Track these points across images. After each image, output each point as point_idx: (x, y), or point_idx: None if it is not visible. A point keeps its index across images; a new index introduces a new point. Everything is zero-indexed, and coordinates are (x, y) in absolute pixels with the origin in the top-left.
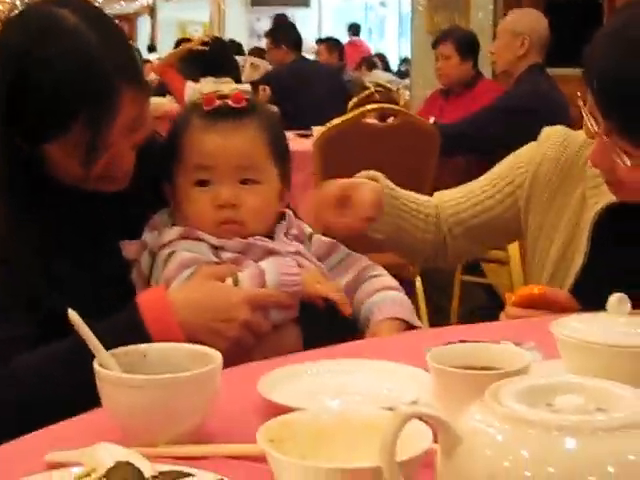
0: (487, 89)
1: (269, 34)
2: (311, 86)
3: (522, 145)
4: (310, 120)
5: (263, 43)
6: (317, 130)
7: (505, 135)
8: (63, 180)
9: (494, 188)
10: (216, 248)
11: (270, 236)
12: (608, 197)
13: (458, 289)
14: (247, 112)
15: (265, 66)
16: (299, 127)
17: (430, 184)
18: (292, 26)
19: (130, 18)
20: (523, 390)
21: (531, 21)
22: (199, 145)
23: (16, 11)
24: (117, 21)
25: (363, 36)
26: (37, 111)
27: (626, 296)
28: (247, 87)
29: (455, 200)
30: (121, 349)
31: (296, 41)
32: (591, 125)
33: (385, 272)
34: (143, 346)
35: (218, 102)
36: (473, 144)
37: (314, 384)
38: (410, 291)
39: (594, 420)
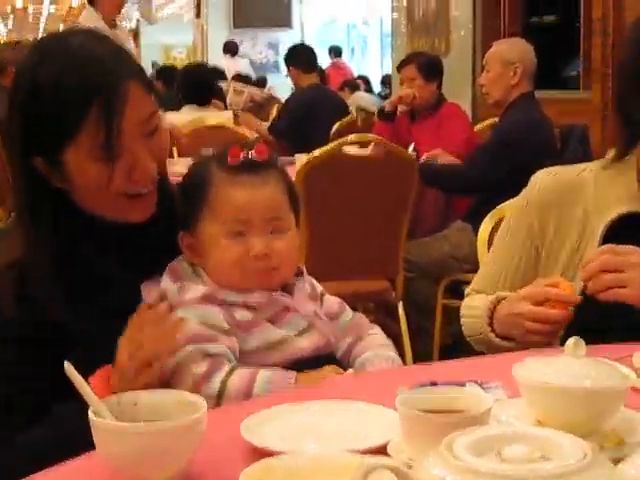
0: (452, 112)
1: (285, 59)
2: (319, 113)
3: (514, 177)
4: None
5: (244, 62)
6: (299, 159)
7: (506, 171)
8: (90, 208)
9: (517, 250)
10: (236, 306)
11: (289, 290)
12: (609, 214)
13: (440, 313)
14: (267, 163)
15: (249, 91)
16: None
17: (410, 212)
18: (302, 47)
19: None
20: (475, 441)
21: (520, 50)
22: (232, 199)
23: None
24: None
25: (346, 56)
26: (51, 117)
27: (581, 339)
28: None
29: (494, 282)
30: (113, 397)
31: (304, 62)
32: None
33: (379, 330)
34: (134, 394)
35: (242, 156)
36: (474, 185)
37: (293, 426)
38: (393, 314)
39: (538, 469)
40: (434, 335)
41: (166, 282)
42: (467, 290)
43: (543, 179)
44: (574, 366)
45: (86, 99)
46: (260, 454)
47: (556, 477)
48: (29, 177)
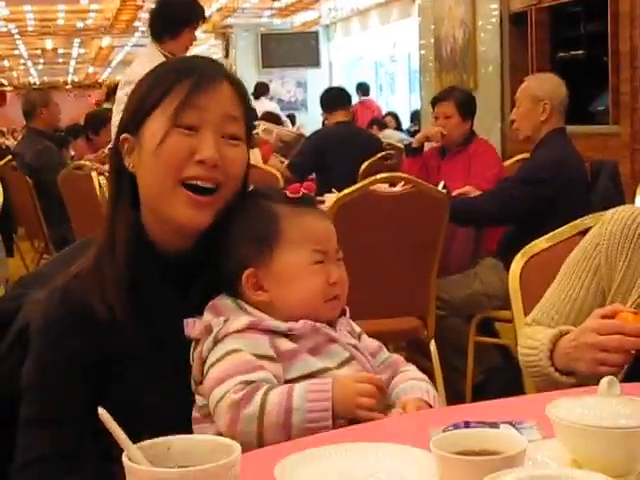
0: (482, 148)
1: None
2: (347, 150)
3: (544, 212)
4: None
5: (273, 106)
6: (329, 198)
7: (529, 206)
8: (152, 207)
9: (583, 290)
10: (281, 335)
11: (332, 324)
12: None
13: (472, 350)
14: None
15: (278, 131)
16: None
17: (440, 251)
18: (327, 90)
19: None
20: None
21: (551, 86)
22: (313, 229)
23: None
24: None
25: (374, 93)
26: (144, 92)
27: (615, 379)
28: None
29: (557, 315)
30: (147, 442)
31: (327, 103)
32: None
33: (414, 367)
34: (168, 439)
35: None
36: (496, 219)
37: (325, 469)
38: (425, 353)
39: None
40: (466, 373)
41: (208, 315)
42: (527, 320)
43: (616, 219)
44: (609, 405)
45: (178, 76)
46: None
47: None
48: (120, 161)
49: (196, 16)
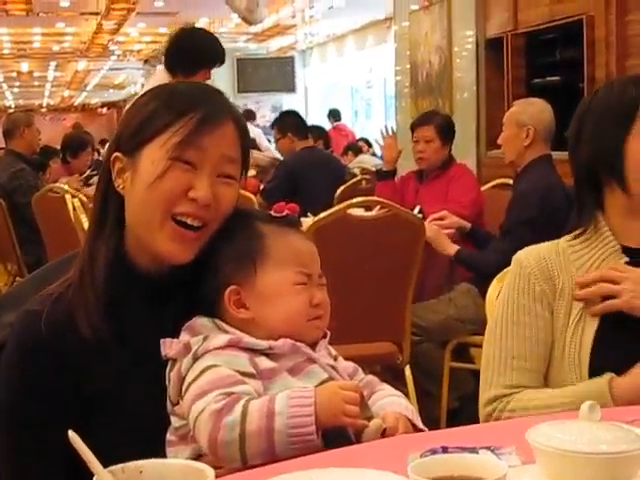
0: (460, 173)
1: (274, 124)
2: (315, 175)
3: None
4: (319, 207)
5: (257, 132)
6: (305, 222)
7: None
8: (138, 234)
9: (530, 323)
10: (260, 353)
11: (311, 346)
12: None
13: (447, 375)
14: (297, 219)
15: (255, 155)
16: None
17: (415, 276)
18: (296, 114)
19: (119, 106)
20: None
21: (535, 111)
22: (298, 249)
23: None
24: (105, 109)
25: (349, 118)
26: (147, 116)
27: (597, 404)
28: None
29: (533, 367)
30: (118, 466)
31: (301, 128)
32: None
33: (388, 386)
34: (139, 463)
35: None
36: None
37: None
38: (400, 377)
39: None
40: (441, 399)
41: (185, 336)
42: (500, 392)
43: (529, 253)
44: (590, 431)
45: (184, 107)
46: None
47: None
48: (109, 179)
49: (216, 59)
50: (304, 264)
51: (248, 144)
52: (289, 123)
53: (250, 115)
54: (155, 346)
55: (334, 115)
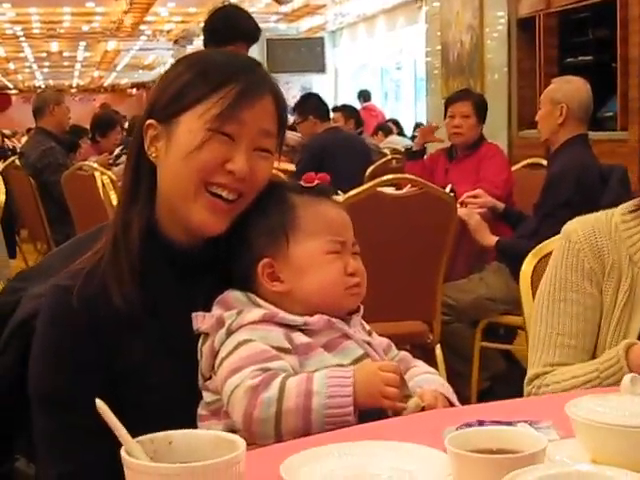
0: (492, 152)
1: (296, 108)
2: (341, 155)
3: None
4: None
5: None
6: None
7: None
8: (171, 202)
9: (578, 301)
10: (295, 329)
11: (346, 321)
12: None
13: (478, 355)
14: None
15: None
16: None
17: (447, 255)
18: (317, 97)
19: (149, 86)
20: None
21: (571, 89)
22: (330, 218)
23: None
24: (134, 89)
25: (379, 100)
26: (188, 82)
27: (638, 377)
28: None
29: (577, 346)
30: (147, 436)
31: (322, 110)
32: None
33: (422, 362)
34: (168, 433)
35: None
36: None
37: (335, 467)
38: (430, 357)
39: None
40: (471, 379)
41: (218, 310)
42: (541, 370)
43: (580, 226)
44: (632, 404)
45: (225, 77)
46: None
47: None
48: (142, 146)
49: (248, 34)
50: (337, 232)
51: (286, 118)
52: (310, 106)
53: None
54: (186, 320)
55: (364, 96)
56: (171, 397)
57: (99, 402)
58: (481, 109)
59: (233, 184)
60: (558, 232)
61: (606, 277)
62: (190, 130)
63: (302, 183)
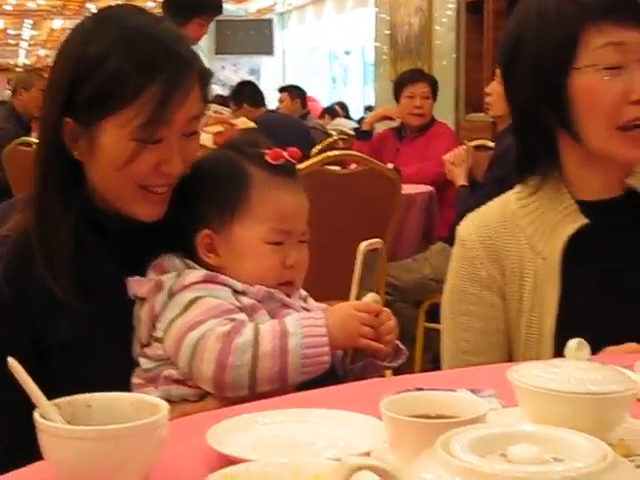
0: (442, 131)
1: (231, 97)
2: (279, 136)
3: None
4: None
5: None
6: None
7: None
8: (103, 192)
9: (478, 313)
10: (237, 293)
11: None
12: (557, 240)
13: (421, 336)
14: (295, 167)
15: (228, 113)
16: None
17: (392, 233)
18: (251, 84)
19: None
20: (475, 440)
21: None
22: (281, 206)
23: None
24: None
25: (327, 84)
26: (106, 80)
27: (584, 341)
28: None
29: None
30: (65, 399)
31: (257, 97)
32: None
33: None
34: (87, 396)
35: (283, 159)
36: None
37: (265, 435)
38: None
39: (551, 471)
40: (415, 359)
41: (152, 274)
42: None
43: (472, 226)
44: (576, 370)
45: (150, 74)
46: (230, 463)
47: None
48: (57, 140)
49: (208, 6)
50: (285, 221)
51: (209, 86)
52: (244, 94)
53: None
54: (120, 291)
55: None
56: (105, 367)
57: (11, 361)
58: (435, 89)
59: (168, 181)
60: (481, 204)
61: (507, 281)
62: (116, 141)
63: (268, 159)
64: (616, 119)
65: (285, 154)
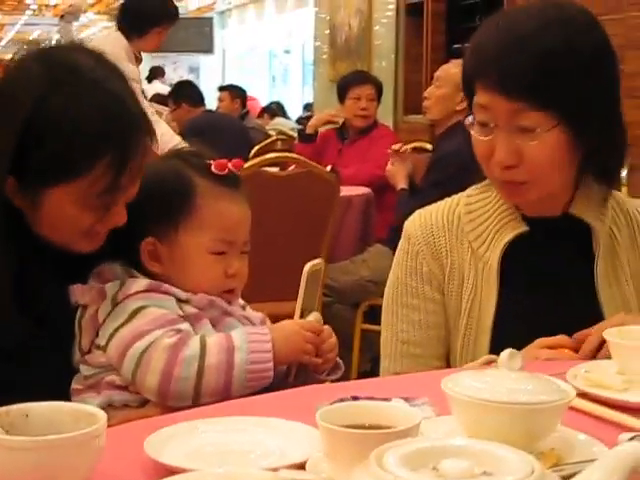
0: (384, 134)
1: (169, 96)
2: (217, 137)
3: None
4: None
5: (166, 88)
6: None
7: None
8: (41, 231)
9: (419, 307)
10: (181, 301)
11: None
12: (498, 245)
13: (359, 337)
14: (239, 177)
15: (167, 113)
16: None
17: (329, 235)
18: (189, 83)
19: None
20: (408, 454)
21: None
22: (224, 217)
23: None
24: None
25: (267, 83)
26: (55, 151)
27: (517, 351)
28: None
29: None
30: (2, 409)
31: (196, 97)
32: (482, 127)
33: None
34: (25, 406)
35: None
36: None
37: (202, 443)
38: None
39: None
40: (352, 360)
41: (94, 282)
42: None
43: (419, 223)
44: (509, 380)
45: (101, 148)
46: (165, 473)
47: None
48: None
49: (167, 16)
50: (228, 232)
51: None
52: (183, 93)
53: (158, 72)
54: (61, 299)
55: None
56: (45, 374)
57: None
58: (380, 91)
59: (113, 227)
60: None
61: (447, 279)
62: (62, 207)
63: (213, 169)
64: (490, 173)
65: (229, 165)
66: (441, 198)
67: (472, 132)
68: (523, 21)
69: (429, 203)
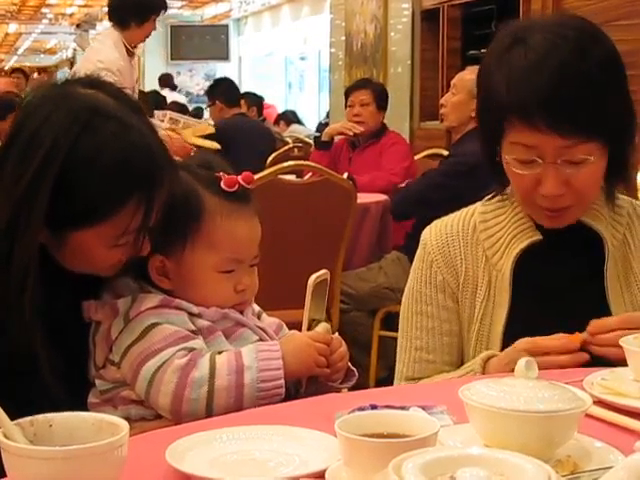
0: (394, 140)
1: (207, 91)
2: (248, 141)
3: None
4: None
5: (182, 97)
6: None
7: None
8: (68, 266)
9: (433, 314)
10: (193, 315)
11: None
12: (511, 253)
13: (376, 344)
14: (249, 192)
15: (185, 121)
16: None
17: (346, 243)
18: (228, 81)
19: (50, 71)
20: (426, 463)
21: None
22: (234, 236)
23: None
24: (36, 74)
25: (283, 90)
26: (83, 197)
27: (534, 360)
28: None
29: (426, 360)
30: (27, 419)
31: (231, 97)
32: (524, 164)
33: None
34: (49, 416)
35: (237, 185)
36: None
37: (223, 452)
38: None
39: None
40: (370, 367)
41: (108, 297)
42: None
43: (435, 232)
44: (526, 388)
45: (129, 190)
46: None
47: None
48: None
49: (162, 3)
50: (237, 250)
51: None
52: (219, 91)
53: (168, 80)
54: (75, 313)
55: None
56: (61, 387)
57: None
58: (380, 96)
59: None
60: (422, 189)
61: (461, 287)
62: (90, 248)
63: (223, 186)
64: (531, 201)
65: (240, 179)
66: (439, 193)
67: (512, 169)
68: (553, 49)
69: (426, 191)
